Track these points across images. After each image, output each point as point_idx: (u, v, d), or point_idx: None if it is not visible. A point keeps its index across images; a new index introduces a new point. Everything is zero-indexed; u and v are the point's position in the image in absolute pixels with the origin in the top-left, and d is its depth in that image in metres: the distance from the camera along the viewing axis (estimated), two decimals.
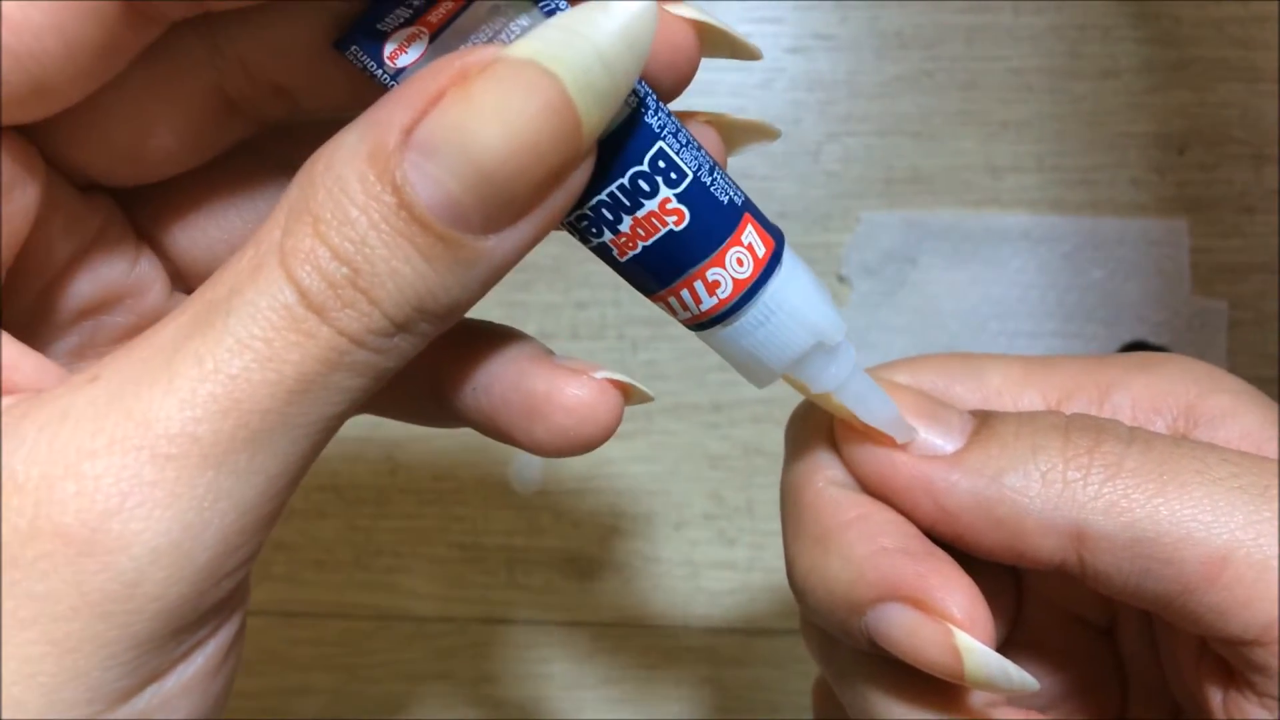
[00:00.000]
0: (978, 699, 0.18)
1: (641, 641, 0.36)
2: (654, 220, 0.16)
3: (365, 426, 0.35)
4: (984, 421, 0.18)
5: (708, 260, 0.16)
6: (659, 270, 0.17)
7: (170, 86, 0.16)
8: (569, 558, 0.36)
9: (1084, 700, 0.22)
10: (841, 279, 0.36)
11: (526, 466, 0.35)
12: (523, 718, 0.35)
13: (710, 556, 0.36)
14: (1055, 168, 0.37)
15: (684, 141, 0.16)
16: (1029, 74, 0.37)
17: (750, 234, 0.17)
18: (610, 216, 0.16)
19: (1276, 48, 0.36)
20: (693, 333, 0.18)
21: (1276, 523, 0.15)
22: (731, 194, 0.17)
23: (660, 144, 0.16)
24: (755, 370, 0.18)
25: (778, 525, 0.36)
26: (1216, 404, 0.18)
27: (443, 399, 0.18)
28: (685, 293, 0.17)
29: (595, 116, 0.14)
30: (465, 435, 0.36)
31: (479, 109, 0.13)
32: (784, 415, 0.36)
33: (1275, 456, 0.17)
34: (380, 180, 0.13)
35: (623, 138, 0.15)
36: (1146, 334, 0.36)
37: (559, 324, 0.36)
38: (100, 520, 0.13)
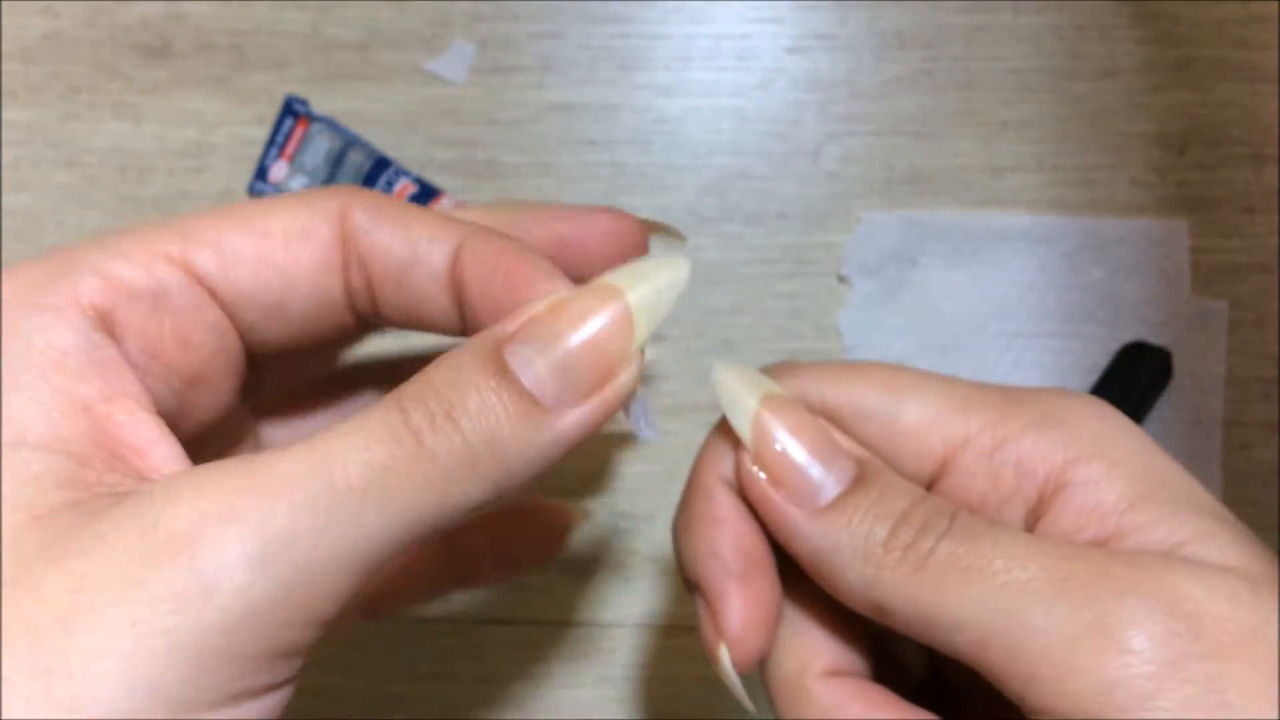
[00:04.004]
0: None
1: (640, 641, 0.36)
2: None
3: None
4: (857, 481, 0.21)
5: None
6: None
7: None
8: (569, 558, 0.36)
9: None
10: (841, 279, 0.36)
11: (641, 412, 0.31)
12: (522, 718, 0.35)
13: None
14: (1055, 168, 0.37)
15: None
16: (1029, 74, 0.37)
17: None
18: None
19: (1276, 48, 0.36)
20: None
21: (1024, 615, 0.18)
22: None
23: None
24: None
25: None
26: (1086, 472, 0.20)
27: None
28: None
29: (644, 331, 0.19)
30: None
31: (567, 314, 0.19)
32: None
33: (1117, 530, 0.20)
34: (490, 359, 0.19)
35: None
36: (1146, 334, 0.36)
37: None
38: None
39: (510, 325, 0.19)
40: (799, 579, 0.22)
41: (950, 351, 0.36)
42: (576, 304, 0.19)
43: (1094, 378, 0.36)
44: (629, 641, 0.36)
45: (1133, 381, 0.35)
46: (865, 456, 0.21)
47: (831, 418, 0.22)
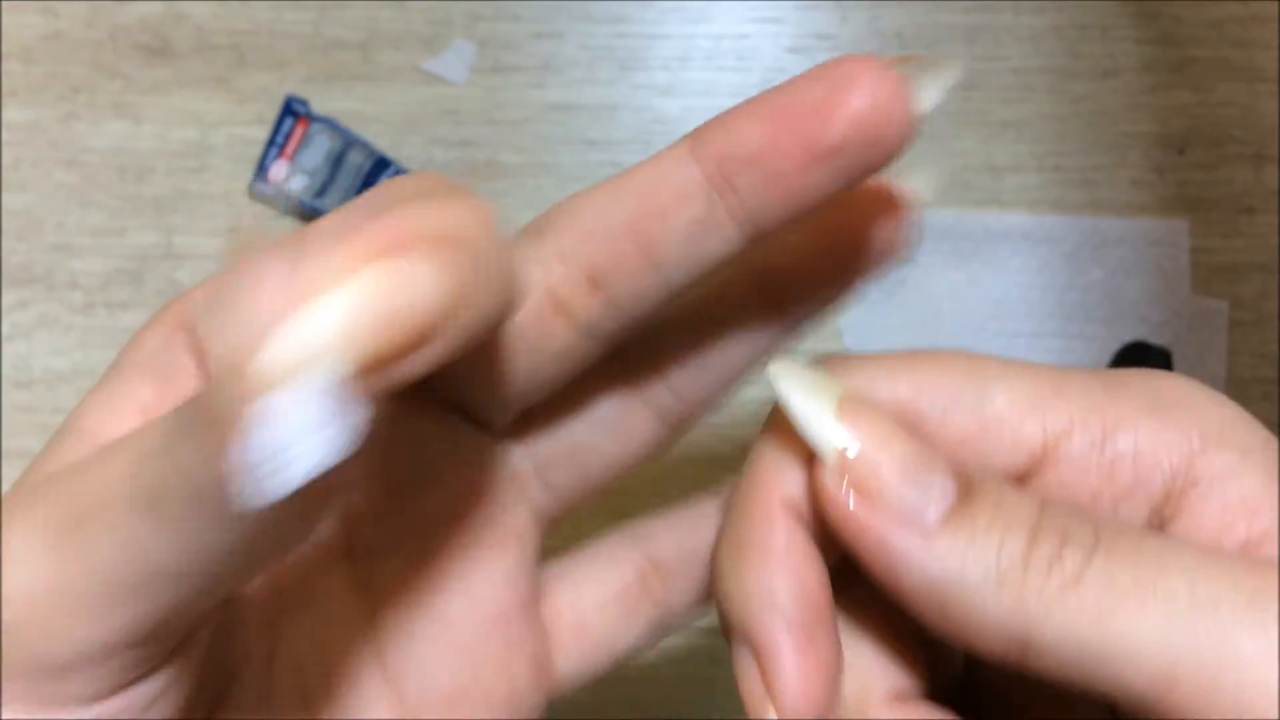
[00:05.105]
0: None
1: None
2: None
3: None
4: (964, 494, 0.17)
5: None
6: None
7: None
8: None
9: None
10: None
11: None
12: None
13: None
14: (1055, 168, 0.37)
15: None
16: (1029, 74, 0.37)
17: None
18: None
19: (1276, 48, 0.36)
20: None
21: (1227, 642, 0.15)
22: None
23: None
24: None
25: None
26: (1220, 462, 0.18)
27: None
28: None
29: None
30: None
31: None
32: None
33: (1272, 525, 0.17)
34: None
35: None
36: (1146, 334, 0.36)
37: None
38: None
39: None
40: (848, 593, 0.19)
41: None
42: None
43: None
44: None
45: None
46: (960, 462, 0.18)
47: (909, 413, 0.19)
